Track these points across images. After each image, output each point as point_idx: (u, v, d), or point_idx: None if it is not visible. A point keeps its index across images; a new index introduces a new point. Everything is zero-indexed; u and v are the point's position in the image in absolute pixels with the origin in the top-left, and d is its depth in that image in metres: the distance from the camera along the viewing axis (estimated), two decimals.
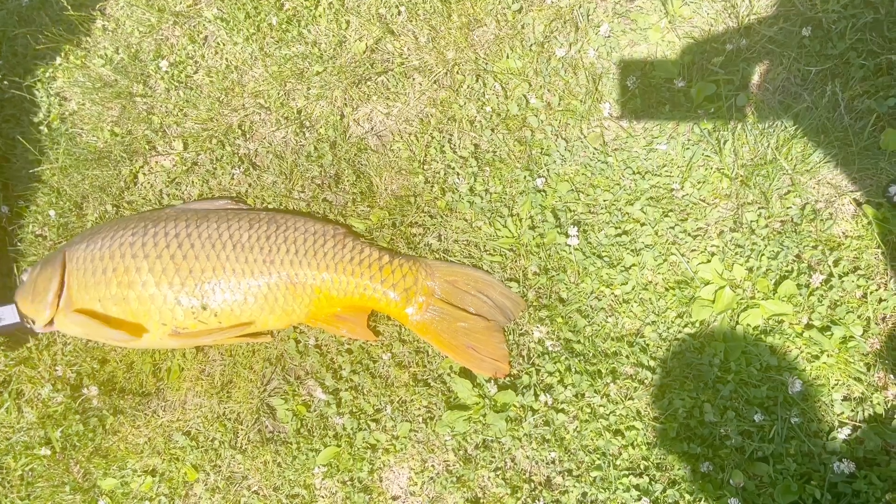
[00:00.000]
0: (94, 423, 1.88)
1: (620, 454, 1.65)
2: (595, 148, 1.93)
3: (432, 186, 1.98)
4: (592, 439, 1.67)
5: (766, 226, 1.76)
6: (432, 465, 1.73)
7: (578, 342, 1.75)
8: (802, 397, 1.60)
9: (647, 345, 1.73)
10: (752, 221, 1.77)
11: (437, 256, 1.90)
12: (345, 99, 2.12)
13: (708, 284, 1.73)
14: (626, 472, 1.63)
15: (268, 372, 1.87)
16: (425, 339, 1.78)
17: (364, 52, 2.15)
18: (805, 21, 1.91)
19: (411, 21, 2.17)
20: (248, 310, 1.76)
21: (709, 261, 1.76)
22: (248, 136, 2.15)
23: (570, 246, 1.83)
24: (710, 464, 1.58)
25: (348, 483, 1.74)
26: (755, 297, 1.70)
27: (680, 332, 1.72)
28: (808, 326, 1.66)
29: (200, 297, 1.74)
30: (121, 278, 1.75)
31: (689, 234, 1.80)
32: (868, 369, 1.61)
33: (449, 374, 1.78)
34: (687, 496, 1.58)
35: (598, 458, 1.65)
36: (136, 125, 2.21)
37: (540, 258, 1.84)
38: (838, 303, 1.67)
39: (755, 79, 1.92)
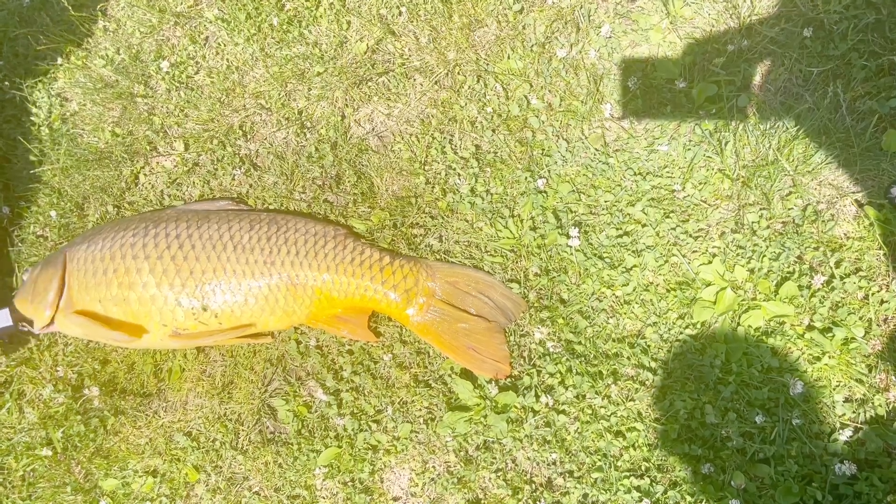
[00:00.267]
0: (95, 423, 1.88)
1: (621, 455, 1.65)
2: (596, 149, 1.93)
3: (433, 187, 1.98)
4: (593, 440, 1.67)
5: (768, 227, 1.76)
6: (433, 466, 1.73)
7: (579, 343, 1.75)
8: (804, 399, 1.60)
9: (649, 346, 1.73)
10: (753, 222, 1.77)
11: (438, 257, 1.90)
12: (346, 100, 2.12)
13: (709, 286, 1.73)
14: (628, 474, 1.63)
15: (269, 373, 1.87)
16: (426, 340, 1.78)
17: (365, 53, 2.15)
18: (807, 22, 1.91)
19: (412, 22, 2.17)
20: (248, 311, 1.76)
21: (710, 262, 1.75)
22: (248, 136, 2.15)
23: (571, 247, 1.83)
24: (712, 465, 1.58)
25: (349, 484, 1.74)
26: (756, 298, 1.70)
27: (681, 333, 1.72)
28: (810, 328, 1.66)
29: (201, 299, 1.74)
30: (121, 279, 1.75)
31: (691, 236, 1.80)
32: (870, 371, 1.61)
33: (450, 376, 1.78)
34: (688, 498, 1.58)
35: (600, 460, 1.65)
36: (137, 126, 2.21)
37: (541, 259, 1.84)
38: (840, 304, 1.66)
39: (757, 79, 1.91)
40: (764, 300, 1.69)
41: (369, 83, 2.13)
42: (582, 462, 1.66)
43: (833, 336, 1.63)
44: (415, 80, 2.11)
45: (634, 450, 1.65)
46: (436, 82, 2.09)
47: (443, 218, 1.94)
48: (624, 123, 1.95)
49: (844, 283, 1.67)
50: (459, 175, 1.98)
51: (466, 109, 2.04)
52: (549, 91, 2.02)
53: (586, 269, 1.81)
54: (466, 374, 1.77)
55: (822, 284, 1.68)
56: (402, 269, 1.77)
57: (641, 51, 2.00)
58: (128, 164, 2.16)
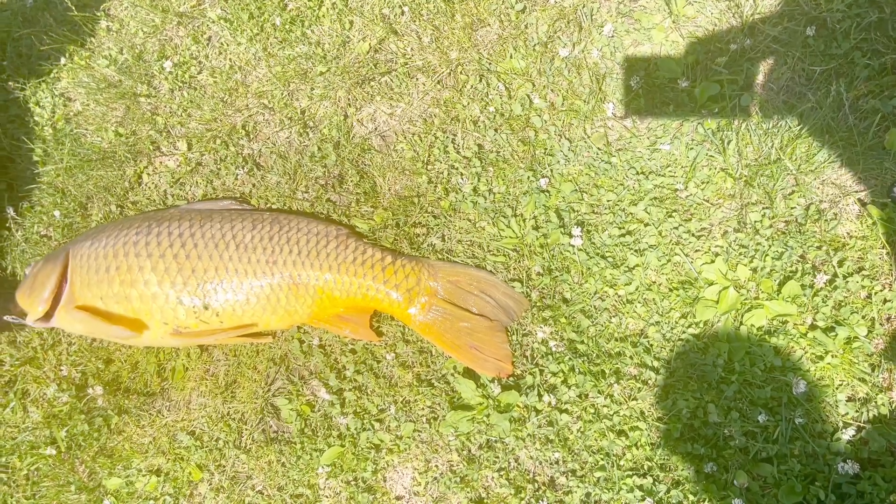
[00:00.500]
0: (99, 422, 1.89)
1: (624, 455, 1.65)
2: (599, 148, 1.93)
3: (436, 187, 1.98)
4: (596, 440, 1.67)
5: (771, 226, 1.76)
6: (436, 466, 1.73)
7: (582, 342, 1.75)
8: (807, 398, 1.60)
9: (651, 345, 1.73)
10: (756, 222, 1.77)
11: (441, 257, 1.90)
12: (348, 99, 2.12)
13: (712, 285, 1.73)
14: (630, 473, 1.63)
15: (272, 372, 1.87)
16: (428, 339, 1.78)
17: (367, 53, 2.16)
18: (809, 20, 1.91)
19: (415, 21, 2.17)
20: (250, 310, 1.76)
21: (713, 261, 1.75)
22: (251, 136, 2.15)
23: (573, 246, 1.83)
24: (714, 464, 1.58)
25: (352, 483, 1.74)
26: (759, 297, 1.70)
27: (684, 332, 1.72)
28: (813, 327, 1.66)
29: (202, 297, 1.74)
30: (123, 277, 1.75)
31: (693, 235, 1.79)
32: (873, 370, 1.60)
33: (452, 375, 1.78)
34: (691, 497, 1.58)
35: (602, 459, 1.65)
36: (140, 125, 2.21)
37: (543, 258, 1.84)
38: (843, 303, 1.66)
39: (759, 78, 1.91)
40: (767, 299, 1.69)
41: (372, 83, 2.13)
42: (584, 461, 1.66)
43: (836, 335, 1.63)
44: (417, 79, 2.12)
45: (637, 449, 1.65)
46: (438, 82, 2.10)
47: (445, 217, 1.94)
48: (626, 123, 1.95)
49: (847, 282, 1.67)
50: (462, 174, 1.98)
51: (469, 109, 2.04)
52: (552, 90, 2.02)
53: (589, 268, 1.81)
54: (469, 374, 1.77)
55: (825, 283, 1.67)
56: (403, 269, 1.78)
57: (644, 50, 2.00)
58: (131, 164, 2.17)
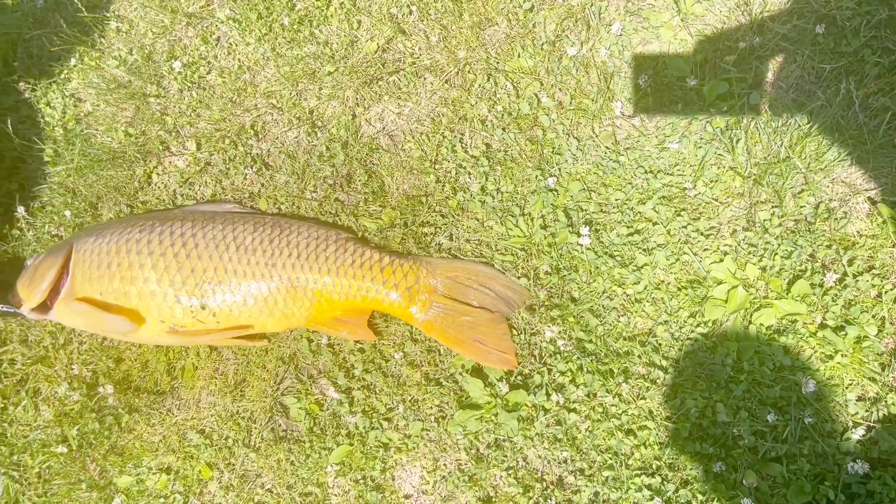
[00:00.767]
0: (109, 421, 1.90)
1: (633, 454, 1.65)
2: (607, 147, 1.93)
3: (444, 186, 1.98)
4: (604, 439, 1.67)
5: (780, 225, 1.75)
6: (444, 464, 1.74)
7: (590, 342, 1.75)
8: (816, 397, 1.60)
9: (660, 344, 1.73)
10: (765, 220, 1.76)
11: (448, 255, 1.90)
12: (356, 99, 2.13)
13: (721, 284, 1.72)
14: (639, 472, 1.63)
15: (281, 371, 1.88)
16: (432, 336, 1.78)
17: (375, 52, 2.16)
18: (819, 18, 1.90)
19: (423, 20, 2.17)
20: (247, 311, 1.77)
21: (721, 260, 1.75)
22: (260, 136, 2.16)
23: (581, 245, 1.82)
24: (723, 464, 1.58)
25: (361, 482, 1.75)
26: (768, 296, 1.69)
27: (692, 331, 1.71)
28: (822, 326, 1.65)
29: (200, 297, 1.75)
30: (124, 273, 1.77)
31: (702, 234, 1.79)
32: (883, 369, 1.60)
33: (461, 374, 1.79)
34: (700, 496, 1.58)
35: (611, 458, 1.65)
36: (149, 126, 2.23)
37: (552, 258, 1.84)
38: (852, 302, 1.65)
39: (768, 77, 1.90)
40: (776, 298, 1.68)
41: (380, 82, 2.14)
42: (593, 460, 1.66)
43: (846, 334, 1.62)
44: (425, 78, 2.12)
45: (645, 448, 1.65)
46: (446, 81, 2.10)
47: (453, 216, 1.94)
48: (635, 121, 1.95)
49: (857, 280, 1.66)
50: (470, 174, 1.98)
51: (477, 108, 2.04)
52: (560, 89, 2.01)
53: (597, 267, 1.81)
54: (477, 373, 1.77)
55: (835, 282, 1.67)
56: (401, 268, 1.78)
57: (652, 48, 1.99)
58: (141, 164, 2.18)
